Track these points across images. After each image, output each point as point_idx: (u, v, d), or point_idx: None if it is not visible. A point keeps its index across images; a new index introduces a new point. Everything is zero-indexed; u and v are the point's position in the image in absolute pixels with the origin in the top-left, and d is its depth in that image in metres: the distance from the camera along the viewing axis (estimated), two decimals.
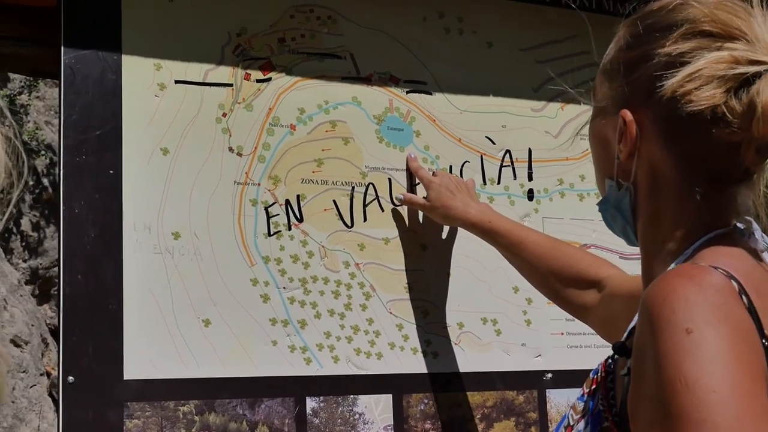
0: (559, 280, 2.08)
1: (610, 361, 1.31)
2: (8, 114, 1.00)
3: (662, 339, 1.11)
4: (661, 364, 1.10)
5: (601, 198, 1.46)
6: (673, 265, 1.30)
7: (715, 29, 1.28)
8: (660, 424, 1.09)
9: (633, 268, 2.36)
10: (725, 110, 1.24)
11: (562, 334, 2.48)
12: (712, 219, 1.31)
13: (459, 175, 2.42)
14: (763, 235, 1.33)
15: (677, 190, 1.32)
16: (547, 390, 2.42)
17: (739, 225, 1.32)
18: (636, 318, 1.25)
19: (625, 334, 1.30)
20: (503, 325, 2.42)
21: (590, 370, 1.40)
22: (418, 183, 2.35)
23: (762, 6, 1.31)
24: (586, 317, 2.04)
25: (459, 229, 2.37)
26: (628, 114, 1.35)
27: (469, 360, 2.37)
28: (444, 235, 2.40)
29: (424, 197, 2.32)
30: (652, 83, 1.30)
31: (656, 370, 1.10)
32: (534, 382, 2.43)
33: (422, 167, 2.37)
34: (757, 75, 1.23)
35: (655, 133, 1.33)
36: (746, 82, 1.24)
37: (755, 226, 1.33)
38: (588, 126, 1.49)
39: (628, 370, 1.22)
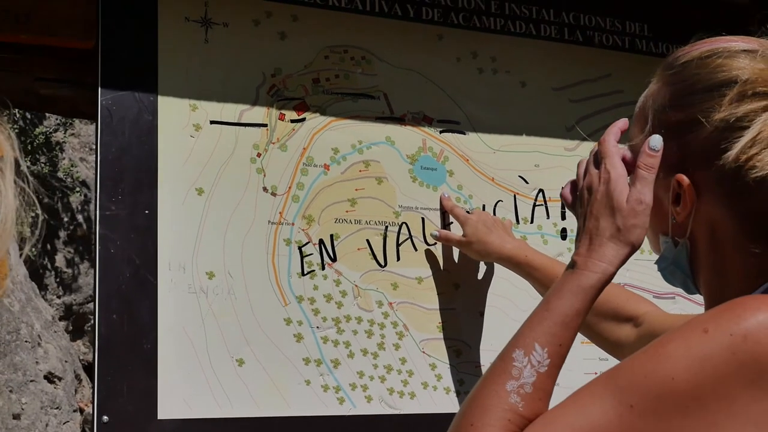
0: (594, 315, 2.04)
1: None
2: (23, 163, 1.01)
3: (681, 332, 1.15)
4: (665, 336, 1.16)
5: (658, 256, 1.45)
6: None
7: None
8: (622, 365, 1.18)
9: (667, 306, 2.35)
10: None
11: (596, 373, 2.46)
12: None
13: (493, 214, 2.42)
14: None
15: (739, 243, 1.32)
16: None
17: None
18: None
19: None
20: None
21: None
22: (452, 222, 2.36)
23: None
24: (621, 354, 2.01)
25: (492, 268, 2.37)
26: (684, 179, 1.33)
27: None
28: (478, 275, 2.40)
29: (461, 235, 2.32)
30: (711, 149, 1.29)
31: (658, 338, 1.16)
32: None
33: (457, 205, 2.37)
34: None
35: (716, 195, 1.32)
36: None
37: None
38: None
39: None
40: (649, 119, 1.40)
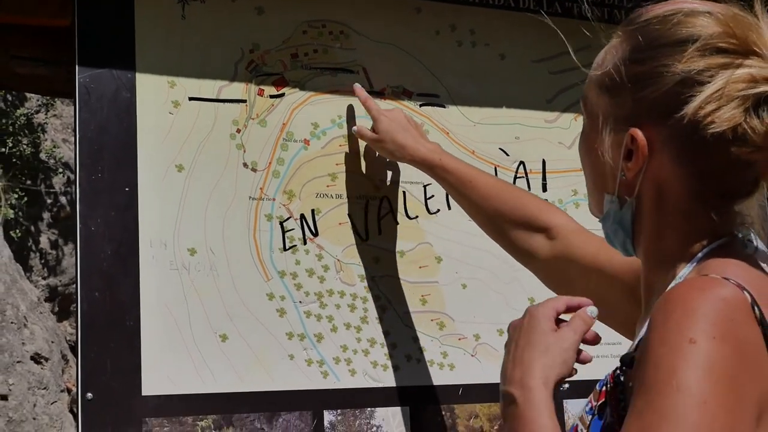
0: (506, 222, 2.04)
1: (618, 372, 1.31)
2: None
3: (665, 344, 1.12)
4: (657, 365, 1.12)
5: (596, 211, 1.45)
6: (680, 274, 1.30)
7: (731, 46, 1.26)
8: (645, 416, 1.10)
9: None
10: (746, 129, 1.23)
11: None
12: (715, 230, 1.31)
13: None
14: (762, 243, 1.34)
15: (684, 205, 1.32)
16: (564, 400, 2.42)
17: (739, 234, 1.33)
18: (644, 329, 1.25)
19: (634, 346, 1.30)
20: None
21: None
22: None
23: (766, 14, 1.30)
24: (531, 263, 2.02)
25: (474, 241, 2.37)
26: (638, 133, 1.32)
27: (485, 371, 2.37)
28: (461, 248, 2.40)
29: (371, 129, 2.28)
30: (668, 102, 1.29)
31: (651, 369, 1.12)
32: None
33: (371, 98, 2.31)
34: None
35: (668, 151, 1.31)
36: (765, 100, 1.24)
37: (754, 234, 1.34)
38: (580, 139, 1.47)
39: None
40: (607, 73, 1.39)
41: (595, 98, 1.41)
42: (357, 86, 2.31)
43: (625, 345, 1.47)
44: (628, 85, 1.35)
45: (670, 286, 1.28)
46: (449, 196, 2.32)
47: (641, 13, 1.39)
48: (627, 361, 1.27)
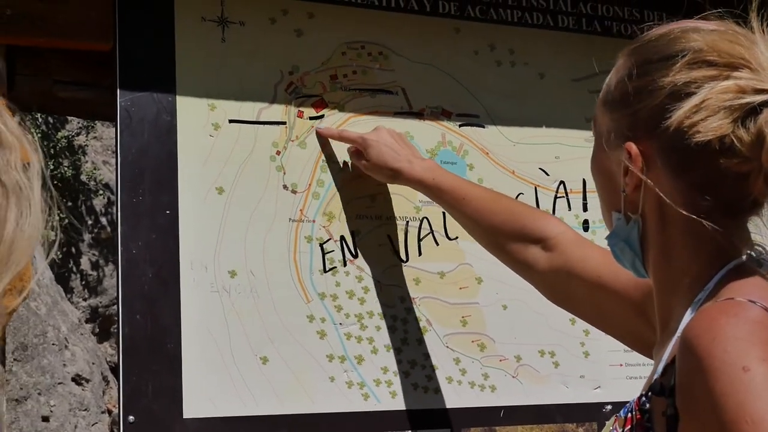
0: (501, 235, 2.01)
1: (644, 399, 1.29)
2: (46, 170, 1.02)
3: (719, 379, 1.10)
4: (722, 405, 1.09)
5: (609, 232, 1.44)
6: (698, 298, 1.28)
7: (719, 59, 1.27)
8: None
9: None
10: (733, 140, 1.23)
11: (621, 365, 2.45)
12: (725, 249, 1.30)
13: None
14: None
15: (688, 221, 1.30)
16: (607, 422, 2.40)
17: (752, 254, 1.31)
18: (666, 354, 1.25)
19: (659, 372, 1.27)
20: (561, 357, 2.40)
21: None
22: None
23: (763, 32, 1.31)
24: (529, 276, 1.98)
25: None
26: (632, 146, 1.33)
27: (527, 393, 2.35)
28: (501, 268, 2.38)
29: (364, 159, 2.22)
30: (657, 114, 1.30)
31: (717, 410, 1.09)
32: (593, 414, 2.40)
33: (346, 130, 2.26)
34: (764, 104, 1.23)
35: (663, 164, 1.32)
36: (753, 111, 1.23)
37: (765, 251, 1.32)
38: (591, 159, 1.48)
39: (675, 410, 1.19)
40: (610, 91, 1.41)
41: (601, 116, 1.43)
42: (320, 129, 2.26)
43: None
44: (625, 100, 1.36)
45: (688, 314, 1.26)
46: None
47: (645, 34, 1.41)
48: (656, 388, 1.25)
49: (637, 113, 1.34)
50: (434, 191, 2.14)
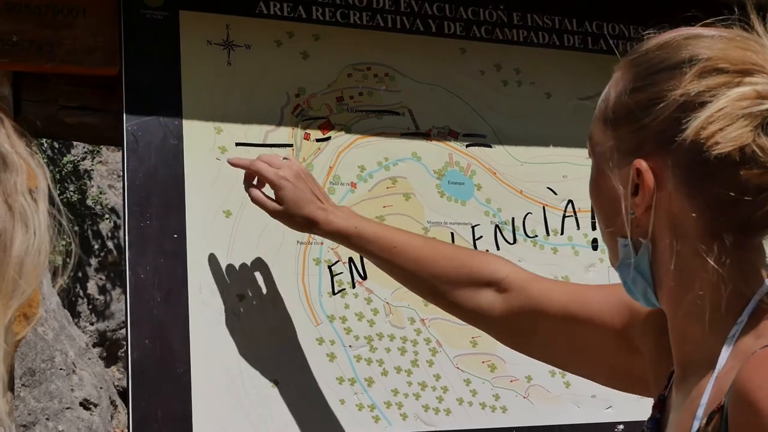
0: (445, 283, 1.84)
1: None
2: (54, 193, 1.01)
3: None
4: None
5: (614, 261, 1.34)
6: (731, 334, 1.19)
7: (731, 66, 1.18)
8: None
9: None
10: (755, 149, 1.14)
11: None
12: (751, 274, 1.22)
13: (513, 224, 2.39)
14: None
15: (704, 244, 1.21)
16: None
17: None
18: (705, 397, 1.17)
19: (700, 417, 1.18)
20: (572, 377, 2.38)
21: None
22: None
23: None
24: (482, 322, 1.83)
25: None
26: (642, 163, 1.23)
27: (539, 413, 2.34)
28: None
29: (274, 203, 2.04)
30: (669, 127, 1.20)
31: None
32: None
33: (254, 159, 2.05)
34: None
35: (676, 181, 1.22)
36: None
37: None
38: (589, 182, 1.38)
39: None
40: (609, 107, 1.31)
41: (600, 135, 1.33)
42: (231, 160, 2.08)
43: None
44: (630, 115, 1.27)
45: (725, 350, 1.19)
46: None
47: (643, 43, 1.32)
48: None
49: (645, 128, 1.24)
50: (357, 242, 1.96)
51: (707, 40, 1.24)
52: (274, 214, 2.02)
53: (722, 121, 1.15)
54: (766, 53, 1.20)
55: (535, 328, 1.71)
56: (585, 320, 1.61)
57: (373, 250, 1.94)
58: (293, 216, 2.00)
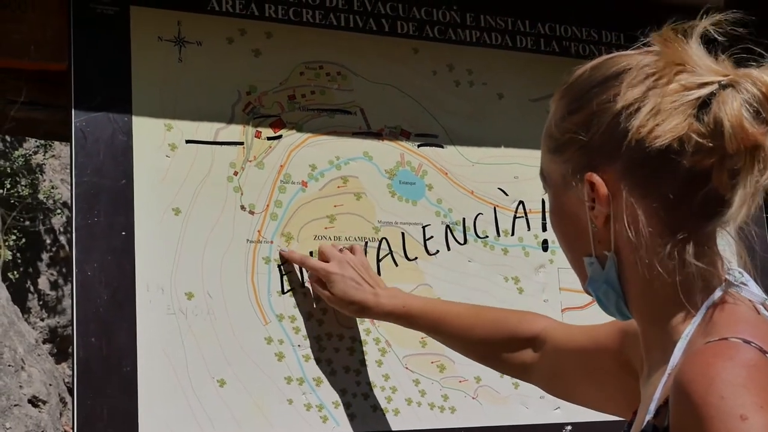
0: (491, 345, 1.99)
1: None
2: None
3: (715, 427, 1.07)
4: None
5: (587, 280, 1.39)
6: (685, 333, 1.25)
7: (657, 69, 1.28)
8: None
9: None
10: (692, 136, 1.23)
11: None
12: (707, 273, 1.28)
13: (469, 228, 2.40)
14: (756, 284, 1.30)
15: (663, 246, 1.27)
16: None
17: (730, 278, 1.29)
18: (658, 392, 1.22)
19: (652, 411, 1.24)
20: None
21: (610, 422, 1.37)
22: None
23: (699, 38, 1.31)
24: (529, 376, 1.97)
25: (473, 279, 2.35)
26: (594, 176, 1.31)
27: (487, 414, 2.34)
28: (460, 290, 2.38)
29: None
30: (612, 137, 1.29)
31: None
32: None
33: (308, 257, 2.21)
34: (711, 95, 1.24)
35: (629, 187, 1.29)
36: (704, 104, 1.24)
37: (746, 275, 1.30)
38: (549, 214, 1.45)
39: None
40: (552, 136, 1.40)
41: (550, 165, 1.41)
42: (283, 252, 2.21)
43: None
44: (573, 136, 1.34)
45: (678, 348, 1.24)
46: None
47: (570, 74, 1.41)
48: (649, 431, 1.22)
49: (589, 144, 1.32)
50: (407, 319, 2.10)
51: (633, 55, 1.33)
52: (329, 301, 2.17)
53: (658, 117, 1.24)
54: (686, 50, 1.28)
55: (562, 369, 1.84)
56: (593, 349, 1.73)
57: (422, 324, 2.10)
58: (345, 305, 2.14)
